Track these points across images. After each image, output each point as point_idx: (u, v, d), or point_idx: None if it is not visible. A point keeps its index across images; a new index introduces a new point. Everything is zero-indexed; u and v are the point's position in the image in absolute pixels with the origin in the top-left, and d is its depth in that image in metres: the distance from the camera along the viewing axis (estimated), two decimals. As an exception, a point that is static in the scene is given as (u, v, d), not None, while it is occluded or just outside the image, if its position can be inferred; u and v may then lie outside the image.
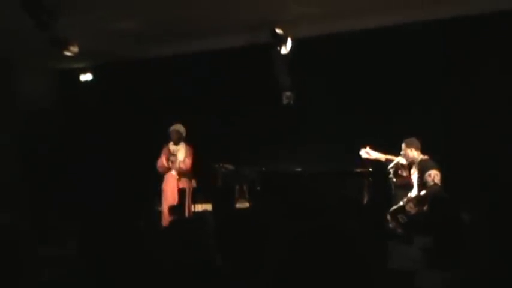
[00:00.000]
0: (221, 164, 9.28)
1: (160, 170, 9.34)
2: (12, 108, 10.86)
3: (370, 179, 8.73)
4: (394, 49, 9.23)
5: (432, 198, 7.45)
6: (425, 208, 7.52)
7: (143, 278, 3.33)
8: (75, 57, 9.36)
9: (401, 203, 7.91)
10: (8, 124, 10.79)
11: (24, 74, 10.97)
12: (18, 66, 10.88)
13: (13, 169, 10.75)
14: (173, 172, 9.22)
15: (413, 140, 8.04)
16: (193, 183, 9.30)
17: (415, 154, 8.00)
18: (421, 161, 7.94)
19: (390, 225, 7.78)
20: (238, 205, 8.99)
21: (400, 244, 6.13)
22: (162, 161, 9.30)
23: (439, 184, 7.65)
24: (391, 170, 8.30)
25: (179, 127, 9.38)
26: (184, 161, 9.25)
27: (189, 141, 9.43)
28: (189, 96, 10.60)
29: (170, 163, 9.26)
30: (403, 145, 8.05)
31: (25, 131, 11.06)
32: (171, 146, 9.34)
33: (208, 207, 9.24)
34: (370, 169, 8.73)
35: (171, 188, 9.21)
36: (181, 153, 9.31)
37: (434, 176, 7.68)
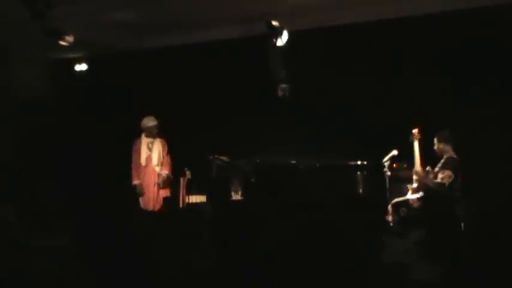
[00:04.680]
0: (216, 156, 9.26)
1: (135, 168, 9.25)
2: (6, 98, 10.83)
3: (364, 172, 8.72)
4: (391, 42, 9.23)
5: (427, 193, 7.46)
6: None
7: (138, 267, 3.33)
8: (70, 47, 9.33)
9: (407, 196, 7.92)
10: (2, 114, 10.76)
11: (18, 64, 10.93)
12: (13, 55, 10.84)
13: (6, 159, 10.72)
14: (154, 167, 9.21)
15: (446, 133, 7.90)
16: (188, 174, 9.27)
17: (445, 147, 7.83)
18: (449, 157, 7.80)
19: (390, 217, 7.77)
20: (233, 197, 8.99)
21: (395, 237, 6.15)
22: (139, 159, 9.25)
23: (446, 185, 7.55)
24: (386, 164, 8.31)
25: (154, 120, 9.31)
26: (164, 159, 9.26)
27: (185, 132, 9.41)
28: (183, 87, 10.59)
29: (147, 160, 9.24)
30: (436, 138, 7.93)
31: (19, 121, 11.03)
32: (147, 139, 9.30)
33: (202, 198, 9.23)
34: (365, 162, 8.73)
35: (151, 181, 9.20)
36: (156, 147, 9.29)
37: (446, 176, 7.58)
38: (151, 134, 9.26)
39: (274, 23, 9.12)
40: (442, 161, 7.82)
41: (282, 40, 9.25)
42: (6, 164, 10.65)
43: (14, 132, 11.07)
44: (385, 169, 8.31)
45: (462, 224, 6.98)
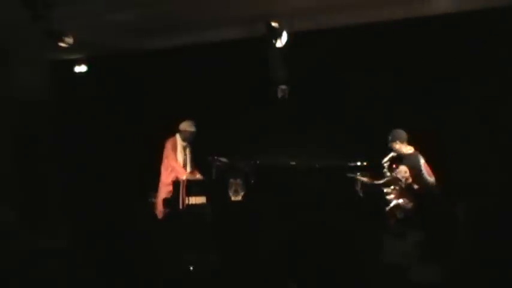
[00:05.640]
0: (215, 157, 9.26)
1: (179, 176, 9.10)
2: (6, 99, 10.83)
3: (364, 172, 8.73)
4: (390, 44, 9.24)
5: (420, 194, 7.53)
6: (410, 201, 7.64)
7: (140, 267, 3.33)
8: (70, 49, 9.34)
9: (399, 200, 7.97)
10: (2, 115, 10.76)
11: (18, 65, 10.93)
12: (13, 57, 10.84)
13: (6, 160, 10.73)
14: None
15: (398, 132, 8.12)
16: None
17: (401, 147, 8.07)
18: (406, 155, 8.01)
19: (389, 221, 7.81)
20: (233, 198, 8.98)
21: (394, 239, 6.16)
22: (178, 165, 9.15)
23: (404, 181, 7.73)
24: (385, 165, 8.32)
25: (194, 127, 9.24)
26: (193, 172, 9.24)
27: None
28: (183, 89, 10.59)
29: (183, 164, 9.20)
30: (389, 137, 8.13)
31: (18, 122, 11.03)
32: (182, 143, 9.25)
33: (202, 200, 9.22)
34: (365, 163, 8.74)
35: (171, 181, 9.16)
36: (189, 153, 9.29)
37: (401, 171, 7.83)
38: (187, 139, 9.22)
39: (274, 24, 9.13)
40: (403, 159, 8.00)
41: (281, 41, 9.26)
42: (6, 164, 10.65)
43: (13, 132, 11.07)
44: (385, 170, 8.32)
45: (462, 223, 7.06)
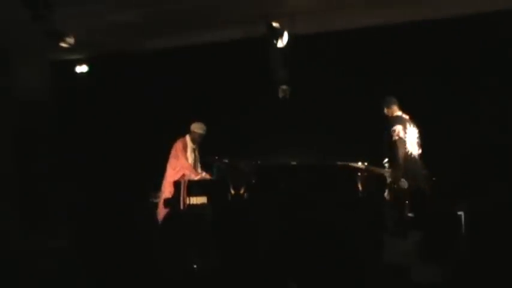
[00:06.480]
0: (216, 157, 9.26)
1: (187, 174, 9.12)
2: (7, 99, 10.82)
3: (365, 173, 8.74)
4: (391, 45, 9.25)
5: (414, 193, 7.55)
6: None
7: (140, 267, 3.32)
8: (71, 49, 9.34)
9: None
10: (2, 115, 10.75)
11: (19, 65, 10.92)
12: (14, 57, 10.84)
13: (6, 160, 10.72)
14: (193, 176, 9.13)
15: (385, 98, 8.32)
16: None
17: (387, 111, 8.29)
18: (393, 116, 8.19)
19: (387, 220, 7.83)
20: (233, 192, 8.97)
21: (393, 238, 6.16)
22: (189, 165, 9.17)
23: (401, 138, 7.94)
24: (386, 164, 8.32)
25: (205, 129, 9.22)
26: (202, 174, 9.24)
27: (185, 134, 9.41)
28: (184, 89, 10.59)
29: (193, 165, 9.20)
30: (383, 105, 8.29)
31: (19, 122, 11.03)
32: (191, 144, 9.24)
33: (203, 200, 9.23)
34: (366, 163, 8.75)
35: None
36: (197, 155, 9.28)
37: (398, 131, 7.97)
38: (196, 141, 9.21)
39: (275, 24, 9.13)
40: (390, 120, 8.19)
41: (282, 41, 9.26)
42: (6, 164, 10.64)
43: (14, 133, 11.05)
44: (385, 169, 8.33)
45: (463, 223, 7.06)
